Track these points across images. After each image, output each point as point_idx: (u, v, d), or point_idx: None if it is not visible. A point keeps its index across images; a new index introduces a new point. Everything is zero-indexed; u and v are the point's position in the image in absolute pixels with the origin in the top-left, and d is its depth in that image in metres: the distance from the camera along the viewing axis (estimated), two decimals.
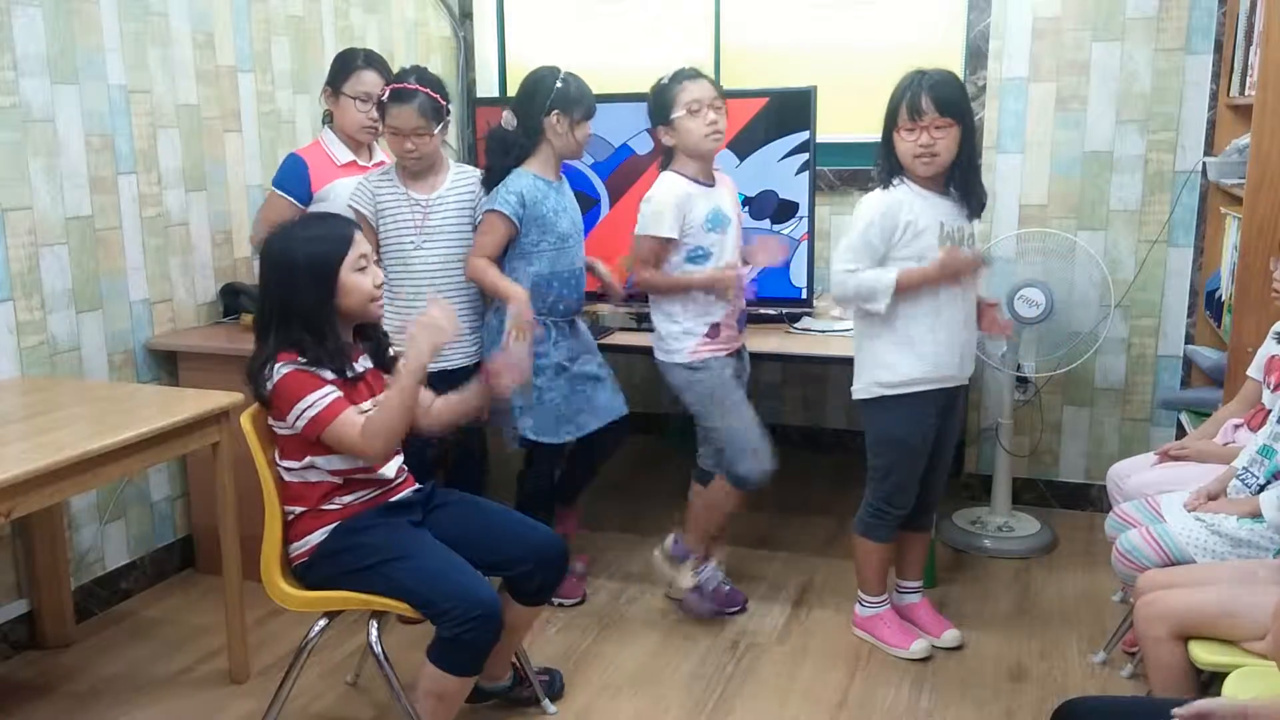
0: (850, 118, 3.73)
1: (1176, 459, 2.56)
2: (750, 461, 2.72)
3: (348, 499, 2.13)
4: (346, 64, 3.02)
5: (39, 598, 2.75)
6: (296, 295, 2.05)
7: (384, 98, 2.72)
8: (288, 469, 2.12)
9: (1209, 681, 1.92)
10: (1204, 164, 3.24)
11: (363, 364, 2.16)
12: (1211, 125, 3.36)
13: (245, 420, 2.15)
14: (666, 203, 2.70)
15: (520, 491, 2.99)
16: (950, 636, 2.76)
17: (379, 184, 2.81)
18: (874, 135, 2.57)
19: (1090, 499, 3.68)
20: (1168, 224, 3.49)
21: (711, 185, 2.78)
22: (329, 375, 2.06)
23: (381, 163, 3.06)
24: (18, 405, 2.44)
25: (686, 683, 2.61)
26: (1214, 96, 3.34)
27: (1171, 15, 3.37)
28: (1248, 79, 2.91)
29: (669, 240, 2.72)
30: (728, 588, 2.97)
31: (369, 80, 2.99)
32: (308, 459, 2.10)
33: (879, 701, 2.52)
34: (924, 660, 2.69)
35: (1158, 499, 2.36)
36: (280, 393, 2.03)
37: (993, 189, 3.62)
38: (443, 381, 2.45)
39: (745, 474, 2.73)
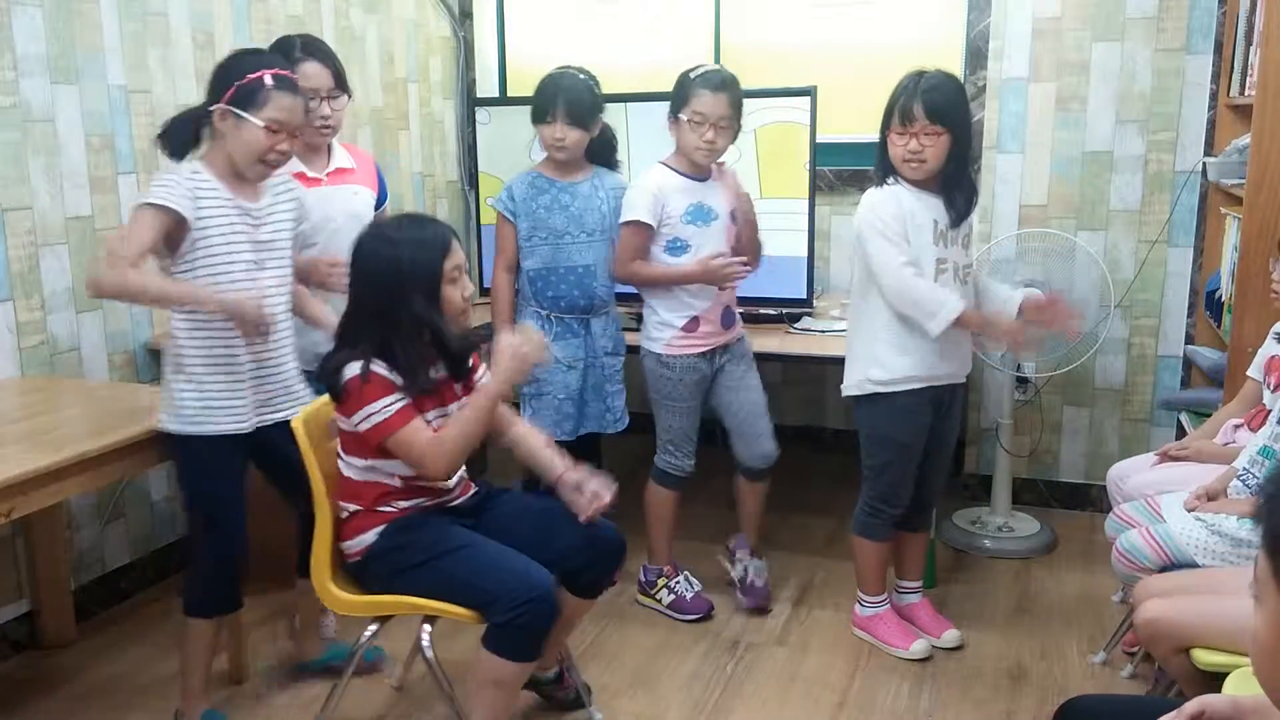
0: (850, 118, 3.73)
1: (1176, 459, 2.56)
2: (673, 459, 2.92)
3: (405, 503, 2.11)
4: (283, 57, 2.50)
5: (39, 598, 2.75)
6: (398, 302, 2.02)
7: (268, 81, 2.14)
8: (349, 464, 2.11)
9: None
10: (1204, 164, 3.24)
11: (437, 371, 2.12)
12: (1211, 125, 3.36)
13: (298, 423, 2.12)
14: (644, 190, 2.79)
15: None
16: (950, 636, 2.76)
17: (196, 183, 2.15)
18: (874, 135, 2.57)
19: (1090, 499, 3.68)
20: (1168, 224, 3.49)
21: (703, 179, 2.81)
22: (400, 383, 2.03)
23: (342, 170, 2.71)
24: (18, 405, 2.44)
25: (686, 683, 2.61)
26: (1214, 96, 3.34)
27: (1171, 15, 3.37)
28: (1248, 79, 2.91)
29: (644, 226, 2.78)
30: (690, 595, 2.97)
31: (311, 73, 2.57)
32: (370, 461, 2.08)
33: (879, 701, 2.53)
34: (924, 660, 2.69)
35: (1158, 499, 2.36)
36: (351, 392, 2.01)
37: (992, 189, 3.63)
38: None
39: (663, 467, 2.94)
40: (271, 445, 2.26)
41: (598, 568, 2.19)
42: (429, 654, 2.11)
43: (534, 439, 2.26)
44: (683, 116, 2.73)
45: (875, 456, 2.66)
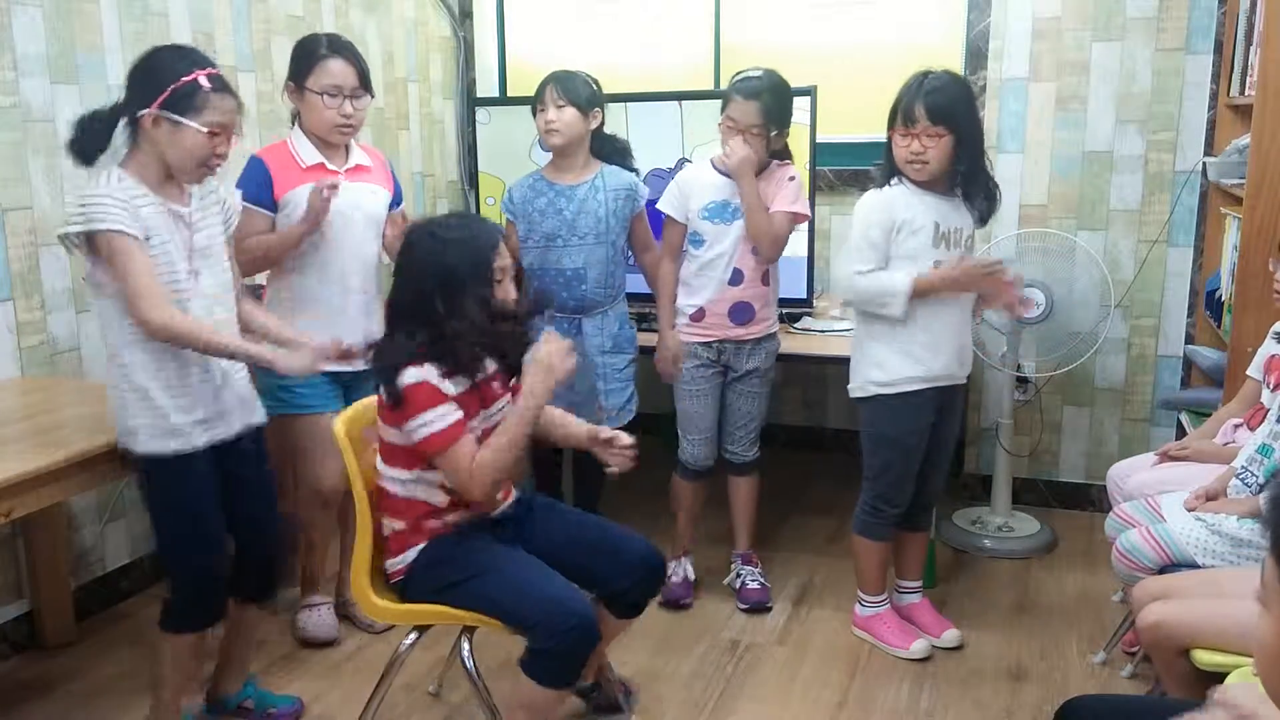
0: (850, 118, 3.73)
1: (1176, 459, 2.56)
2: (685, 447, 3.00)
3: (450, 518, 2.09)
4: (309, 54, 2.62)
5: (39, 598, 2.75)
6: (448, 300, 1.99)
7: (205, 84, 2.01)
8: (394, 479, 2.08)
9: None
10: (1204, 164, 3.24)
11: (487, 368, 2.10)
12: (1211, 125, 3.36)
13: (339, 425, 2.10)
14: (673, 184, 2.93)
15: None
16: (950, 636, 2.76)
17: (128, 196, 2.01)
18: (874, 135, 2.59)
19: (1090, 499, 3.68)
20: (1168, 224, 3.49)
21: None
22: (452, 390, 1.99)
23: (361, 168, 2.71)
24: (18, 405, 2.44)
25: (686, 683, 2.61)
26: (1214, 96, 3.34)
27: (1171, 15, 3.37)
28: (1248, 79, 2.91)
29: (672, 219, 2.91)
30: (676, 580, 3.04)
31: (337, 71, 2.59)
32: (417, 471, 2.06)
33: (879, 701, 2.53)
34: (924, 660, 2.69)
35: (1158, 499, 2.36)
36: (408, 398, 1.97)
37: None
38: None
39: (680, 456, 3.02)
40: (225, 462, 2.18)
41: (640, 589, 2.17)
42: (469, 664, 2.09)
43: (562, 417, 2.26)
44: (720, 120, 2.81)
45: (876, 456, 2.66)
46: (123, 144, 2.06)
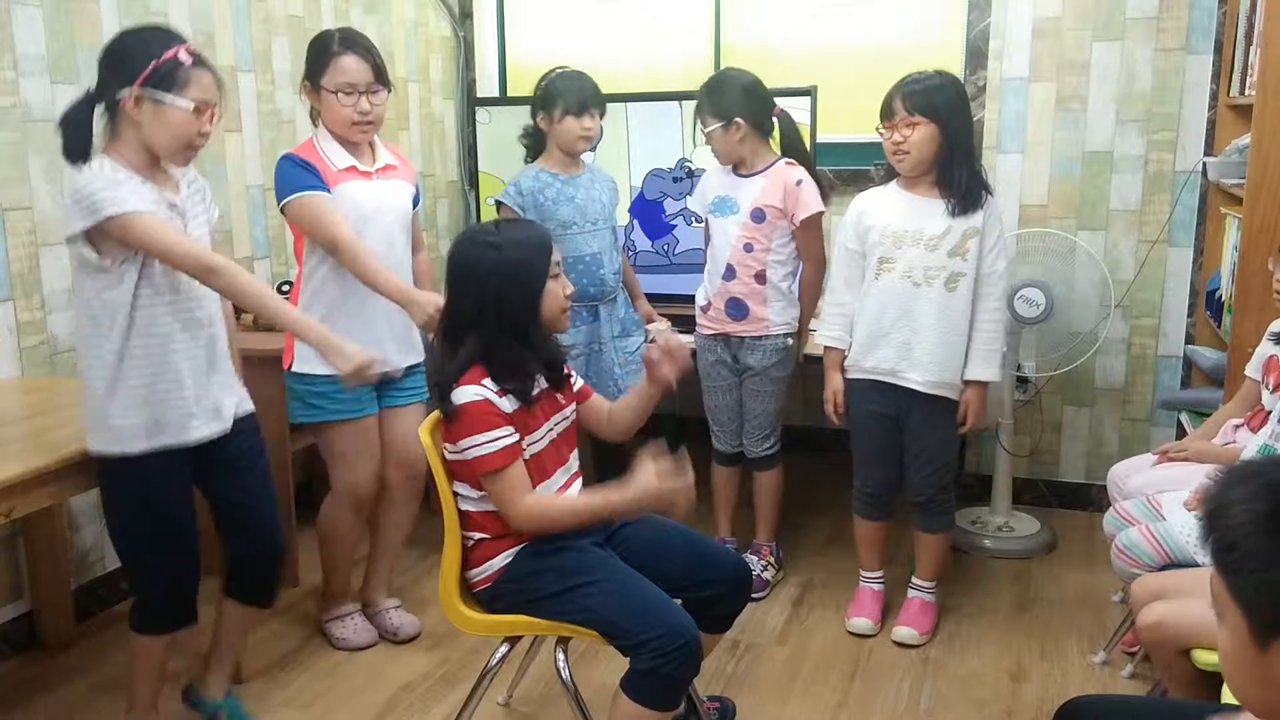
0: (850, 118, 3.73)
1: (1176, 460, 2.56)
2: (714, 436, 3.12)
3: None
4: (322, 52, 2.56)
5: (39, 598, 2.75)
6: (502, 302, 1.95)
7: (185, 59, 1.97)
8: (465, 496, 2.03)
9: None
10: (1204, 164, 3.24)
11: (539, 384, 2.04)
12: (1211, 125, 3.36)
13: (424, 433, 2.06)
14: (699, 185, 3.12)
15: None
16: (903, 633, 2.77)
17: (125, 181, 1.97)
18: (874, 135, 2.64)
19: (1090, 499, 3.68)
20: (1168, 224, 3.49)
21: (746, 176, 2.94)
22: (508, 408, 1.95)
23: (390, 166, 2.66)
24: (18, 405, 2.44)
25: None
26: (1214, 96, 3.34)
27: (1171, 15, 3.37)
28: (1248, 79, 2.91)
29: (704, 218, 3.10)
30: None
31: (350, 68, 2.52)
32: (484, 491, 2.00)
33: (879, 701, 2.53)
34: (923, 658, 2.69)
35: (1158, 498, 2.36)
36: (461, 417, 1.93)
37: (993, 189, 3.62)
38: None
39: (712, 444, 3.13)
40: (215, 465, 2.14)
41: (732, 599, 2.14)
42: (565, 674, 2.05)
43: (620, 403, 2.21)
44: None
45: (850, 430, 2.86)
46: (100, 133, 2.01)
